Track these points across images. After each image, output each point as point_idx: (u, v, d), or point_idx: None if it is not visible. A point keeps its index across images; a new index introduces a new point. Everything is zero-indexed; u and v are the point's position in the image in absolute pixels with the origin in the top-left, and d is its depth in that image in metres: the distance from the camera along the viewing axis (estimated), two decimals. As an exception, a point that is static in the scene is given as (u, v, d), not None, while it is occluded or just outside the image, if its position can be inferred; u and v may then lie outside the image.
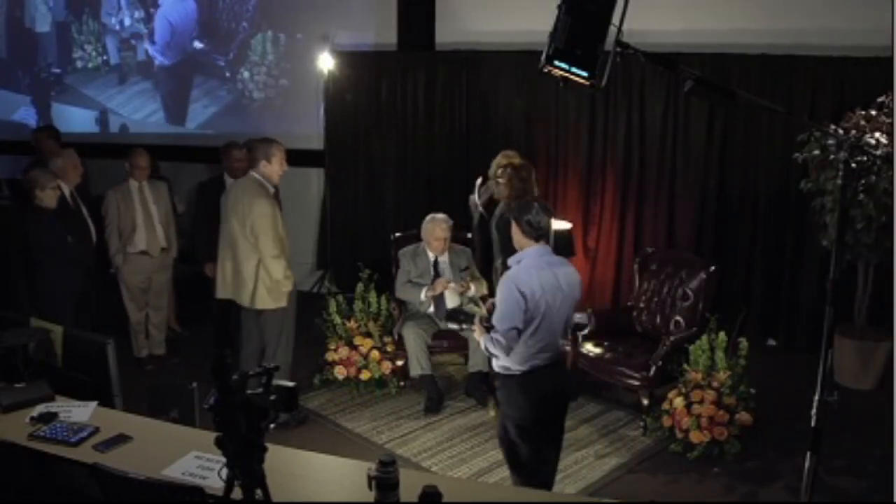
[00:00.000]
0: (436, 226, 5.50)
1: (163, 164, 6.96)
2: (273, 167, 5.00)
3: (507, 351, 3.49)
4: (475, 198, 5.98)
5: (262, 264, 4.92)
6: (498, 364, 3.62)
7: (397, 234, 6.18)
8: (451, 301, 5.57)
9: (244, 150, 5.72)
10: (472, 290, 5.58)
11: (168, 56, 8.68)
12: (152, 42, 8.71)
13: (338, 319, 5.63)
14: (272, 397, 2.37)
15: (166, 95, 8.80)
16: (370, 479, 2.56)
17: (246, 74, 8.38)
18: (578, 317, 5.74)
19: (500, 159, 5.75)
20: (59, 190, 5.26)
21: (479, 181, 6.05)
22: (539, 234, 3.61)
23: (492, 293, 5.83)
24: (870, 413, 5.18)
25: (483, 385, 5.52)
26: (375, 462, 2.59)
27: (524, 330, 3.48)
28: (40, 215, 5.17)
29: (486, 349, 3.59)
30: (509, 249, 5.44)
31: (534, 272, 3.52)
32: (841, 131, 4.67)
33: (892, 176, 5.04)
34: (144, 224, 5.85)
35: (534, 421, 3.59)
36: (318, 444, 4.71)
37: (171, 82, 8.75)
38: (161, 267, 6.02)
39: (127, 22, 8.89)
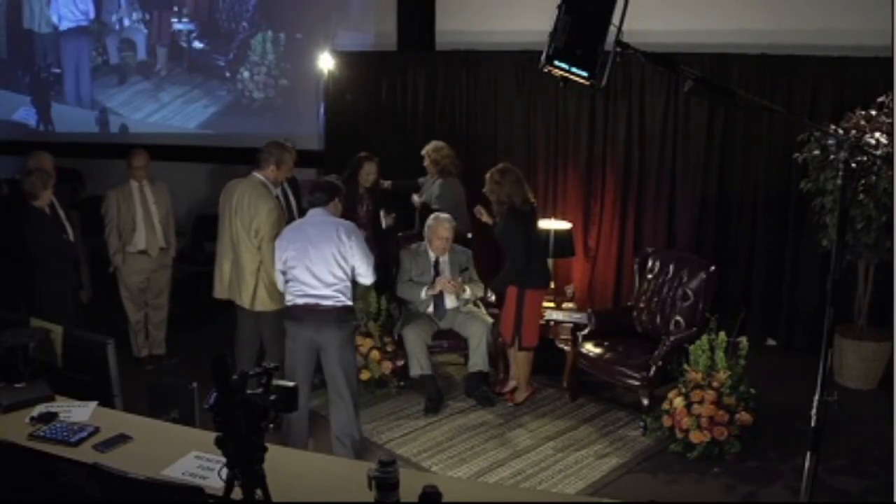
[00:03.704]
0: (439, 225, 5.51)
1: (163, 164, 6.96)
2: (280, 173, 5.14)
3: (282, 277, 4.54)
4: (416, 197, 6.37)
5: (264, 266, 4.92)
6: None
7: (398, 234, 6.18)
8: (450, 301, 5.58)
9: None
10: (468, 292, 5.58)
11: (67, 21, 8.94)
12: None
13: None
14: (272, 397, 2.37)
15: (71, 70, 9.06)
16: (370, 479, 2.56)
17: (246, 74, 8.39)
18: (578, 316, 5.77)
19: (431, 152, 6.25)
20: (51, 190, 5.31)
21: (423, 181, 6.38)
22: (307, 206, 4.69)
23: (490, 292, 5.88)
24: (870, 413, 5.18)
25: (483, 385, 5.52)
26: (375, 462, 2.59)
27: (289, 272, 4.43)
28: (38, 215, 5.20)
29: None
30: (509, 250, 5.49)
31: (297, 227, 4.57)
32: (841, 131, 4.66)
33: (892, 176, 5.03)
34: (144, 224, 5.86)
35: (290, 340, 4.53)
36: (318, 444, 4.72)
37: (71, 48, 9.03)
38: (160, 266, 6.03)
39: (127, 22, 8.90)
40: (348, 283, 4.46)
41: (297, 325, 4.47)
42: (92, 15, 8.97)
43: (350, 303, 4.49)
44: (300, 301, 4.42)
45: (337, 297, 4.41)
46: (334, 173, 6.10)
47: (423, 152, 6.33)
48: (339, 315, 4.43)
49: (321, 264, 4.35)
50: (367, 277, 4.49)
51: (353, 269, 4.41)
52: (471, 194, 6.25)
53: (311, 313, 4.40)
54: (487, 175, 5.38)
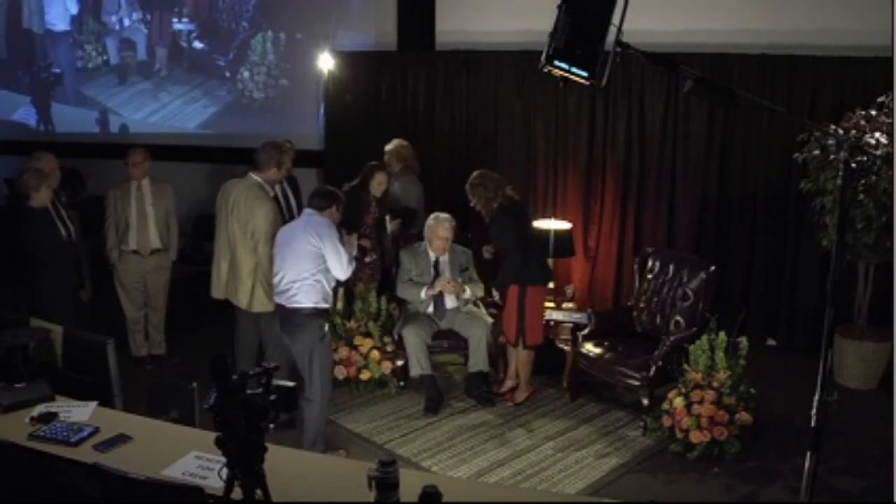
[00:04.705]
0: (439, 225, 5.51)
1: (163, 164, 6.95)
2: (279, 175, 5.17)
3: None
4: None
5: (260, 267, 4.92)
6: None
7: (400, 238, 6.18)
8: (450, 301, 5.58)
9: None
10: (468, 292, 5.58)
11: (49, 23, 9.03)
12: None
13: (338, 319, 5.62)
14: (272, 397, 2.37)
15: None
16: (370, 479, 2.56)
17: (246, 74, 8.39)
18: (578, 316, 5.77)
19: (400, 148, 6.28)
20: (49, 191, 5.30)
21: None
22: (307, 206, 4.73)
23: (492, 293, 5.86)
24: (870, 413, 5.18)
25: (483, 385, 5.52)
26: (375, 462, 2.59)
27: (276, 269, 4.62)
28: (36, 215, 5.20)
29: None
30: (505, 247, 5.49)
31: (284, 228, 4.73)
32: (841, 131, 4.67)
33: (892, 176, 5.04)
34: (137, 223, 5.85)
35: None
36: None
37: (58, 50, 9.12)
38: (156, 268, 6.01)
39: (127, 22, 8.90)
40: (315, 284, 4.48)
41: (275, 320, 4.73)
42: (90, 15, 8.97)
43: (313, 305, 4.51)
44: (276, 298, 4.65)
45: (295, 294, 4.49)
46: (344, 182, 6.02)
47: (389, 149, 6.28)
48: (301, 319, 4.52)
49: (291, 263, 4.50)
50: (338, 273, 4.56)
51: (327, 267, 4.51)
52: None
53: (281, 311, 4.61)
54: (467, 188, 5.41)
